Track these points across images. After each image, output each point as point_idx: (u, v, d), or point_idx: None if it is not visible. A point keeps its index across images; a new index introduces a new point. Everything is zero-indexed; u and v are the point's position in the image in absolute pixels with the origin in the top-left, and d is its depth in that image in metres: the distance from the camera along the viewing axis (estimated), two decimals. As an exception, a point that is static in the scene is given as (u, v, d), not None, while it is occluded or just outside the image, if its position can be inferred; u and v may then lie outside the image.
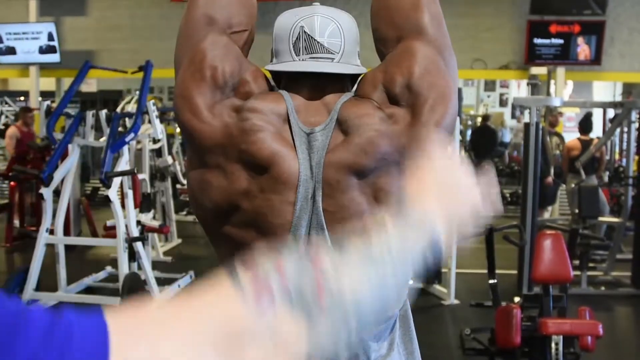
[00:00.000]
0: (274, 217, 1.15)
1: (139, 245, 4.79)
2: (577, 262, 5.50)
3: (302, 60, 1.22)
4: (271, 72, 1.30)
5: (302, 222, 1.15)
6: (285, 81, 1.27)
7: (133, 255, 4.79)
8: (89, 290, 5.26)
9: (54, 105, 7.57)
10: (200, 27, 1.24)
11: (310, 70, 1.22)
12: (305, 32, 1.22)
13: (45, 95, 11.48)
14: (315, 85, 1.24)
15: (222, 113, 1.18)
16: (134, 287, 4.43)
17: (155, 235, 6.09)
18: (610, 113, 9.61)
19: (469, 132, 12.68)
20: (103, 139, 5.15)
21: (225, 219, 1.19)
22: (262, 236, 1.17)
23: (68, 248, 5.26)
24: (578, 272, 5.43)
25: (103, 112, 5.12)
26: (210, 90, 1.19)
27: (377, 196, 1.15)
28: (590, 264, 6.03)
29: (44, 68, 11.06)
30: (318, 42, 1.22)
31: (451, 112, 1.19)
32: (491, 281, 3.89)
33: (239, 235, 1.19)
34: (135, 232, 4.79)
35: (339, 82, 1.27)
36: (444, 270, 5.54)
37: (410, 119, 1.16)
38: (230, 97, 1.21)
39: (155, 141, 6.57)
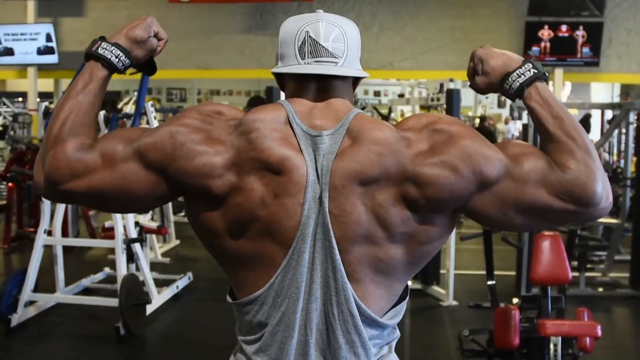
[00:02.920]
0: (287, 220, 1.18)
1: (137, 246, 4.79)
2: (575, 263, 5.50)
3: (308, 63, 1.25)
4: (276, 75, 1.32)
5: (310, 222, 1.18)
6: (291, 83, 1.30)
7: (131, 257, 4.78)
8: (87, 291, 5.26)
9: (52, 106, 7.57)
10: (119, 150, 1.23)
11: (316, 73, 1.25)
12: (310, 36, 1.25)
13: (43, 96, 11.48)
14: (320, 87, 1.27)
15: (220, 135, 1.21)
16: (132, 288, 4.43)
17: (154, 236, 6.09)
18: (608, 114, 9.62)
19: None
20: (101, 140, 5.15)
21: (242, 234, 1.21)
22: (275, 241, 1.19)
23: (66, 249, 5.26)
24: (576, 274, 5.43)
25: (101, 113, 5.12)
26: (195, 133, 1.21)
27: (376, 212, 1.18)
28: (589, 265, 6.03)
29: (42, 69, 11.06)
30: (323, 47, 1.25)
31: (447, 189, 1.18)
32: (489, 282, 3.88)
33: (253, 247, 1.21)
34: (133, 233, 4.79)
35: (342, 84, 1.30)
36: (442, 271, 5.54)
37: (425, 151, 1.19)
38: (221, 121, 1.23)
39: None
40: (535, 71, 1.28)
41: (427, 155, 1.19)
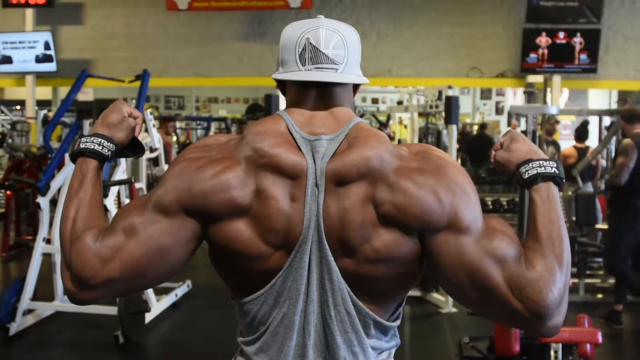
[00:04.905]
0: (296, 223, 1.19)
1: (136, 254, 4.77)
2: (574, 269, 5.50)
3: (308, 70, 1.26)
4: (278, 80, 1.33)
5: (311, 224, 1.19)
6: (292, 89, 1.31)
7: (130, 265, 4.77)
8: (85, 299, 5.24)
9: (50, 114, 7.58)
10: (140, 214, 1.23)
11: (316, 80, 1.26)
12: (311, 43, 1.26)
13: (42, 104, 11.49)
14: (321, 94, 1.28)
15: (225, 155, 1.22)
16: (131, 296, 4.42)
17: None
18: (606, 121, 9.63)
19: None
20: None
21: (265, 240, 1.20)
22: (284, 245, 1.20)
23: (65, 257, 5.24)
24: (576, 280, 5.43)
25: (100, 121, 5.11)
26: (198, 161, 1.22)
27: (344, 216, 1.18)
28: (588, 272, 6.03)
29: (41, 77, 11.07)
30: (323, 53, 1.26)
31: (419, 206, 1.16)
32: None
33: (269, 252, 1.21)
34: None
35: (343, 90, 1.31)
36: (441, 278, 5.53)
37: (413, 168, 1.19)
38: (219, 145, 1.26)
39: (152, 150, 6.57)
40: (557, 172, 1.26)
41: (414, 172, 1.19)
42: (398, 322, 1.30)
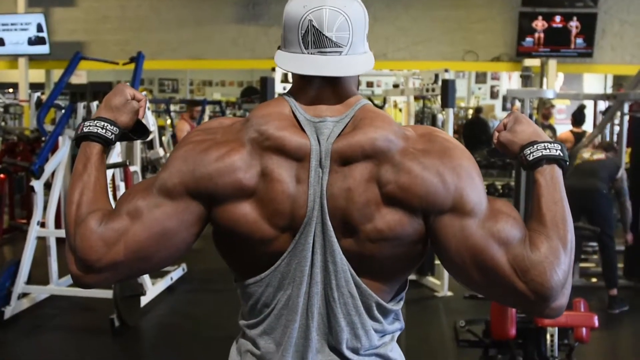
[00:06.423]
0: (301, 205, 1.19)
1: (131, 238, 4.76)
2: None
3: (311, 53, 1.24)
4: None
5: (315, 205, 1.19)
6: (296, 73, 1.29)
7: (125, 248, 4.76)
8: (80, 283, 5.23)
9: (44, 97, 7.52)
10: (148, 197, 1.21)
11: (319, 74, 1.24)
12: (314, 26, 1.23)
13: (35, 87, 11.40)
14: (325, 77, 1.25)
15: (229, 137, 1.21)
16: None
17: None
18: (601, 105, 9.64)
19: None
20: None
21: (270, 223, 1.20)
22: (289, 226, 1.20)
23: (59, 241, 5.23)
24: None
25: (94, 104, 5.09)
26: (203, 143, 1.21)
27: (348, 196, 1.17)
28: (583, 256, 6.05)
29: (33, 59, 10.99)
30: (326, 37, 1.23)
31: (423, 187, 1.16)
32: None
33: (273, 234, 1.20)
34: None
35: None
36: (437, 261, 5.54)
37: (419, 149, 1.19)
38: (224, 127, 1.25)
39: (146, 133, 6.54)
40: (562, 154, 1.26)
41: (419, 153, 1.18)
42: (400, 305, 1.30)
